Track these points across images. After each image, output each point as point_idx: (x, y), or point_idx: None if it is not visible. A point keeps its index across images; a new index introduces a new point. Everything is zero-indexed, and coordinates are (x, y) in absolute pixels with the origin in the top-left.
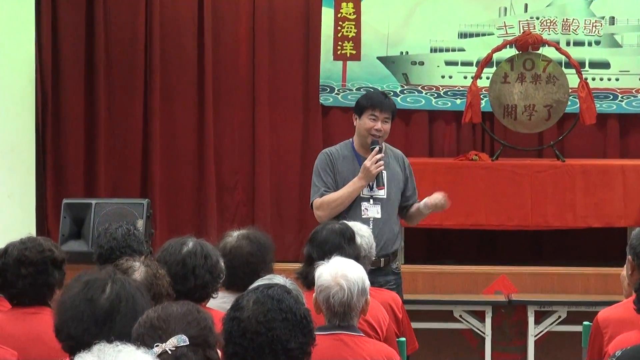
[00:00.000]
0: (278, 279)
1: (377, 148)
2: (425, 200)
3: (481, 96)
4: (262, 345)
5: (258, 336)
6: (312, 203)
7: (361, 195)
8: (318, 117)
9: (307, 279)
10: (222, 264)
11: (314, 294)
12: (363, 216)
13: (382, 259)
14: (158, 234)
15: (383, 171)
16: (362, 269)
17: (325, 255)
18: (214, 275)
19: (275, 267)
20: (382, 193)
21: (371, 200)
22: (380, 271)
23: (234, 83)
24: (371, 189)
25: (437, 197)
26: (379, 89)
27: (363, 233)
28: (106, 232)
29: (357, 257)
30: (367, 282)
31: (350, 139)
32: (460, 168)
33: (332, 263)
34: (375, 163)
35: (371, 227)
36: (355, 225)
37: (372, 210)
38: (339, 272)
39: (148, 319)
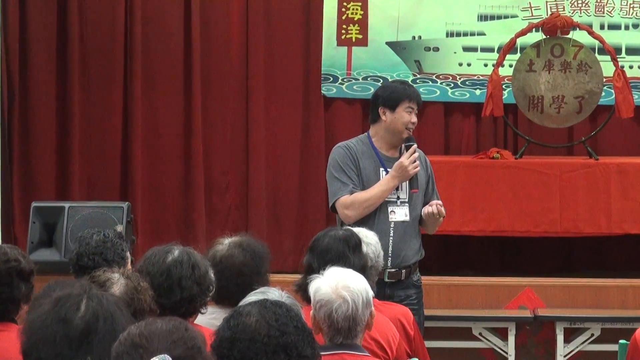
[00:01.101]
0: (273, 293)
1: (415, 145)
2: (423, 209)
3: (503, 86)
4: (276, 349)
5: (272, 339)
6: (335, 202)
7: (388, 197)
8: (320, 110)
9: (306, 292)
10: (212, 275)
11: (311, 312)
12: (391, 219)
13: (404, 271)
14: (140, 241)
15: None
16: (362, 278)
17: (328, 265)
18: (203, 287)
19: (272, 279)
20: (412, 195)
21: (399, 202)
22: (400, 284)
23: (225, 71)
24: (396, 190)
25: (428, 208)
26: (389, 78)
27: (369, 240)
28: (82, 240)
29: (364, 268)
30: (371, 292)
31: (365, 135)
32: (479, 167)
33: (329, 274)
34: (414, 162)
35: (392, 234)
36: (360, 231)
37: (400, 213)
38: (339, 284)
39: (129, 336)
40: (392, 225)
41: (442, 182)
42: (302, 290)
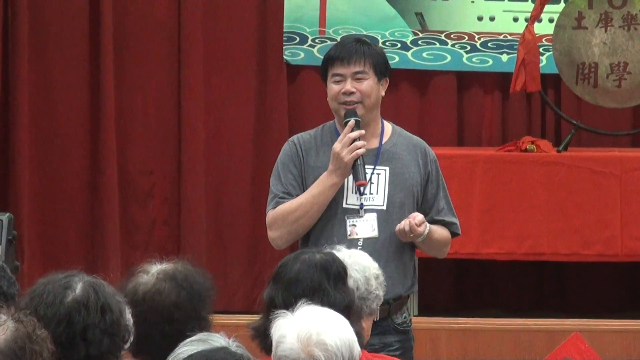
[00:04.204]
0: (216, 341)
1: (352, 121)
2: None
3: (541, 50)
4: None
5: None
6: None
7: (345, 204)
8: (281, 82)
9: (266, 339)
10: (129, 318)
11: None
12: (350, 236)
13: (378, 308)
14: (26, 267)
15: (363, 157)
16: (346, 325)
17: (297, 300)
18: (117, 339)
19: (214, 321)
20: (377, 199)
21: (362, 212)
22: (373, 327)
23: (148, 30)
24: (361, 193)
25: (412, 214)
26: (379, 39)
27: (367, 270)
28: None
29: (349, 307)
30: (357, 348)
31: (333, 121)
32: (507, 164)
33: (299, 317)
34: (350, 144)
35: None
36: (352, 255)
37: (364, 227)
38: (312, 337)
39: None
40: (359, 243)
41: (455, 185)
42: (261, 336)
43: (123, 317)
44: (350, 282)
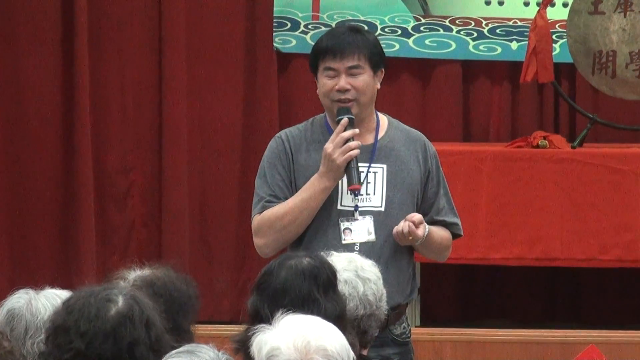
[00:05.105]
0: (204, 354)
1: (344, 119)
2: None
3: (554, 37)
4: None
5: None
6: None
7: (339, 205)
8: (271, 72)
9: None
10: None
11: None
12: (344, 241)
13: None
14: None
15: (356, 158)
16: (338, 333)
17: (284, 312)
18: (161, 354)
19: (198, 331)
20: (374, 200)
21: (357, 214)
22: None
23: (125, 15)
24: (356, 194)
25: (409, 216)
26: (377, 25)
27: (366, 274)
28: None
29: (340, 317)
30: (352, 354)
31: (324, 114)
32: (517, 161)
33: (288, 327)
34: (342, 145)
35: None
36: (353, 260)
37: (359, 231)
38: (310, 342)
39: None
40: (356, 248)
41: (460, 183)
42: (244, 350)
43: (164, 332)
44: (368, 292)
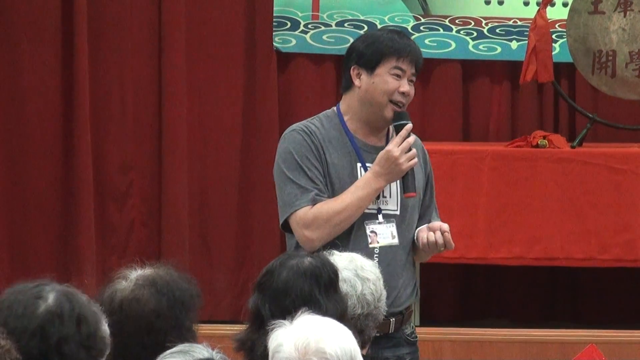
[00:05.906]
0: (199, 352)
1: (409, 125)
2: (418, 231)
3: (554, 37)
4: None
5: None
6: (288, 217)
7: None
8: (271, 71)
9: (252, 351)
10: (107, 329)
11: None
12: (371, 244)
13: (393, 320)
14: None
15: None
16: (347, 332)
17: (285, 312)
18: (93, 352)
19: (199, 331)
20: (391, 203)
21: (380, 217)
22: (388, 340)
23: (126, 13)
24: (377, 197)
25: (429, 234)
26: (377, 24)
27: (366, 274)
28: None
29: (342, 317)
30: (359, 357)
31: (333, 110)
32: (516, 160)
33: (297, 326)
34: (409, 151)
35: (377, 263)
36: (354, 259)
37: (384, 234)
38: (310, 344)
39: None
40: (376, 251)
41: (460, 184)
42: (246, 349)
43: (99, 329)
44: (366, 292)
